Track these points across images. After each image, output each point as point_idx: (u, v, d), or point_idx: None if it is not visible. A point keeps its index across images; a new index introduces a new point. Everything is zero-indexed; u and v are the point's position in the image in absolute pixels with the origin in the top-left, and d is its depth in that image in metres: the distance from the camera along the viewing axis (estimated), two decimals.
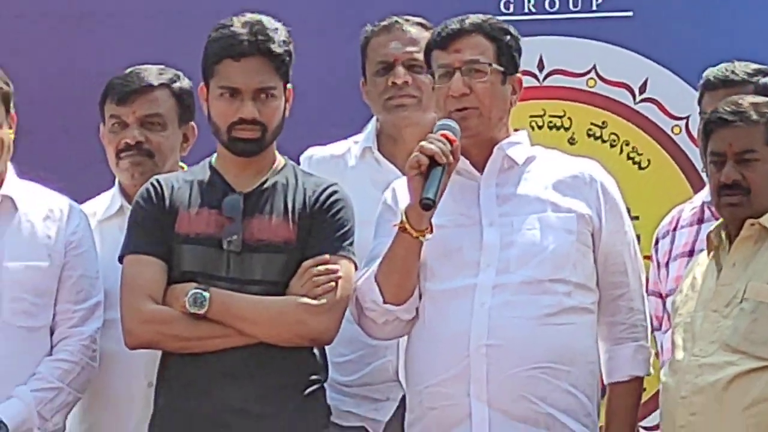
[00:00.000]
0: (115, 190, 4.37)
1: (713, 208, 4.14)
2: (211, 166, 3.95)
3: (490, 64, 3.82)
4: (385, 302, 3.83)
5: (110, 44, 5.50)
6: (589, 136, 5.32)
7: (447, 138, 3.75)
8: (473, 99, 3.82)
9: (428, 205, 3.69)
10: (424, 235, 3.76)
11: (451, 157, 3.74)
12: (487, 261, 3.85)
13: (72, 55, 5.53)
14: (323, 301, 3.79)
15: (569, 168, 3.97)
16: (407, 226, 3.75)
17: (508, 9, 5.31)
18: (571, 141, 5.30)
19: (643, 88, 5.30)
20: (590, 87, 5.33)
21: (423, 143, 3.76)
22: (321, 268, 3.80)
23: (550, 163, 3.99)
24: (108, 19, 5.70)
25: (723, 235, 3.84)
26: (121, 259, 3.92)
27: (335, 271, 3.81)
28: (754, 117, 3.80)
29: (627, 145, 5.34)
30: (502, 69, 3.85)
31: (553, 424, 3.80)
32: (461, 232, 3.88)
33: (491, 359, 3.78)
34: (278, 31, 3.94)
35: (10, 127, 4.11)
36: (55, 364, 4.05)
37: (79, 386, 4.08)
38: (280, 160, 3.96)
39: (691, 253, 4.27)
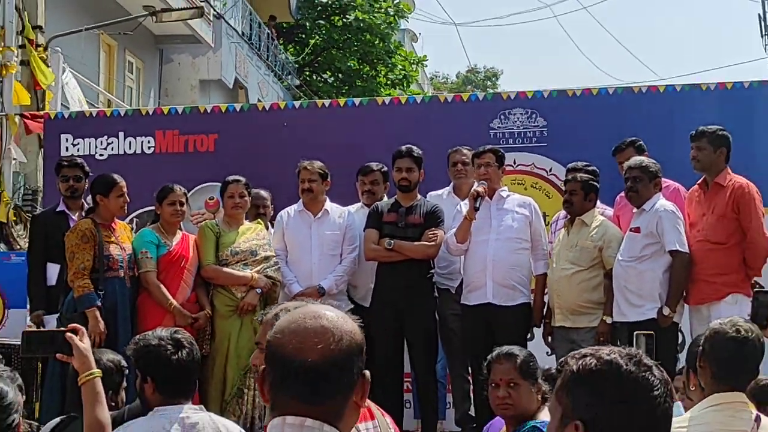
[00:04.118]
0: (360, 204, 7.77)
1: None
2: (395, 199, 7.39)
3: (493, 163, 7.31)
4: (457, 242, 7.14)
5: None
6: (532, 187, 8.15)
7: (485, 188, 7.12)
8: (488, 176, 7.24)
9: (477, 209, 7.02)
10: (472, 221, 7.05)
11: (485, 193, 7.09)
12: (493, 230, 7.20)
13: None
14: (432, 243, 7.22)
15: (523, 200, 7.36)
16: (467, 216, 7.03)
17: (506, 143, 8.11)
18: (525, 188, 8.04)
19: (551, 170, 8.24)
20: (532, 169, 8.14)
21: (474, 188, 7.07)
22: (432, 232, 7.25)
23: (516, 198, 7.37)
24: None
25: (568, 223, 7.24)
26: (365, 230, 7.43)
27: (437, 233, 7.24)
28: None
29: (544, 190, 8.16)
30: (498, 165, 7.30)
31: (514, 287, 7.11)
32: (484, 221, 7.20)
33: (495, 264, 7.11)
34: (416, 149, 7.37)
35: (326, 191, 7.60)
36: (341, 267, 7.55)
37: (349, 275, 7.60)
38: (419, 196, 7.43)
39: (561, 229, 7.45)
